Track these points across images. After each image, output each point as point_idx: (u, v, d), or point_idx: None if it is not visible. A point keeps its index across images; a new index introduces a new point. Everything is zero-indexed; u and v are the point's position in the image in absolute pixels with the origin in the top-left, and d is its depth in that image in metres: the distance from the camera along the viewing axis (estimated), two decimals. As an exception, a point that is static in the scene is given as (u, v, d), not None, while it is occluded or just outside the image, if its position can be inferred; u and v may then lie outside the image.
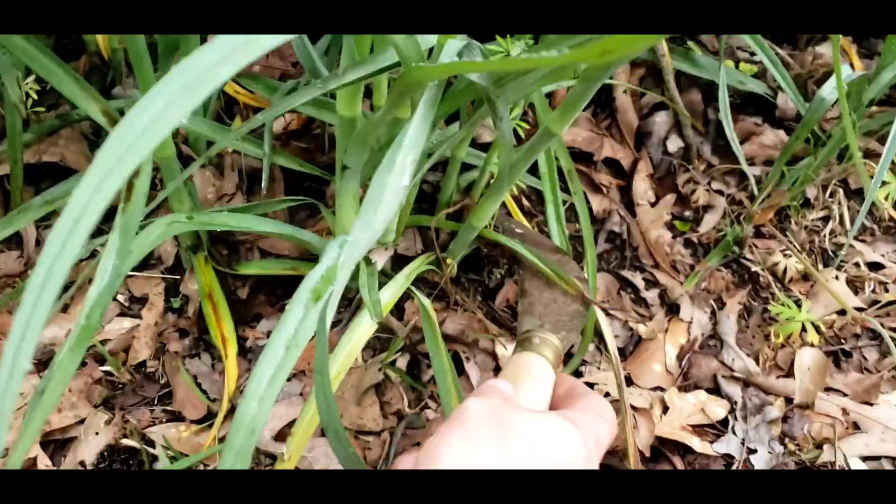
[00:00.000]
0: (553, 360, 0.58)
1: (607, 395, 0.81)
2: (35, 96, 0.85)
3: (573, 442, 0.42)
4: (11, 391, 0.34)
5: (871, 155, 1.03)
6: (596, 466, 0.44)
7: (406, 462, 0.46)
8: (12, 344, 0.32)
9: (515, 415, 0.43)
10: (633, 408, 0.81)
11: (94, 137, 0.90)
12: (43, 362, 0.77)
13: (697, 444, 0.81)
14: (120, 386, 0.78)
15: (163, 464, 0.72)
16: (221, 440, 0.73)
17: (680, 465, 0.79)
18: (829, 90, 0.89)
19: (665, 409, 0.82)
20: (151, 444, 0.74)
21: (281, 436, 0.75)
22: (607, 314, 0.88)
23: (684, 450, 0.80)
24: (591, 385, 0.82)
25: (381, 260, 0.77)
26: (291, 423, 0.75)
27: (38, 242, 0.84)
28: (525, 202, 0.94)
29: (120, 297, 0.82)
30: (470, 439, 0.40)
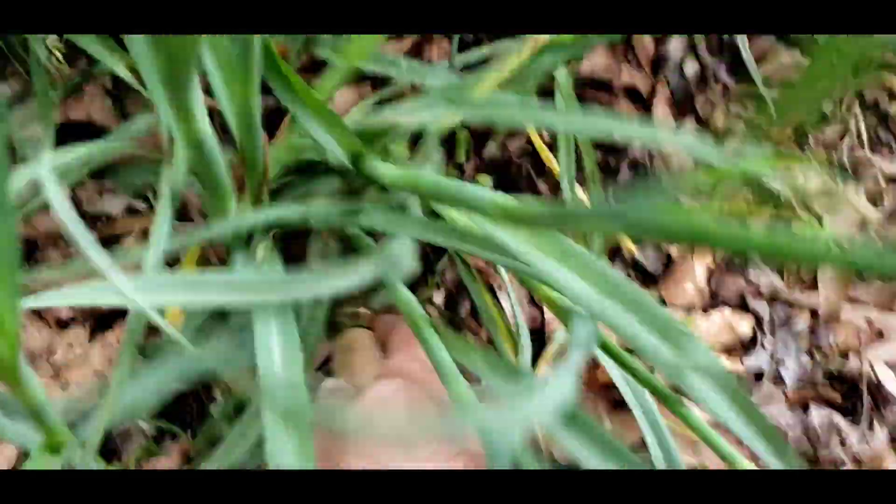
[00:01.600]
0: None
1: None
2: (61, 52, 0.84)
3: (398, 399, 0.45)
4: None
5: (885, 67, 1.03)
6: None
7: None
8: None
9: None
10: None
11: (115, 91, 0.90)
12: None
13: (727, 363, 0.84)
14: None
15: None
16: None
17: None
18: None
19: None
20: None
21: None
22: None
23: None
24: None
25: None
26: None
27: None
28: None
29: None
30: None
